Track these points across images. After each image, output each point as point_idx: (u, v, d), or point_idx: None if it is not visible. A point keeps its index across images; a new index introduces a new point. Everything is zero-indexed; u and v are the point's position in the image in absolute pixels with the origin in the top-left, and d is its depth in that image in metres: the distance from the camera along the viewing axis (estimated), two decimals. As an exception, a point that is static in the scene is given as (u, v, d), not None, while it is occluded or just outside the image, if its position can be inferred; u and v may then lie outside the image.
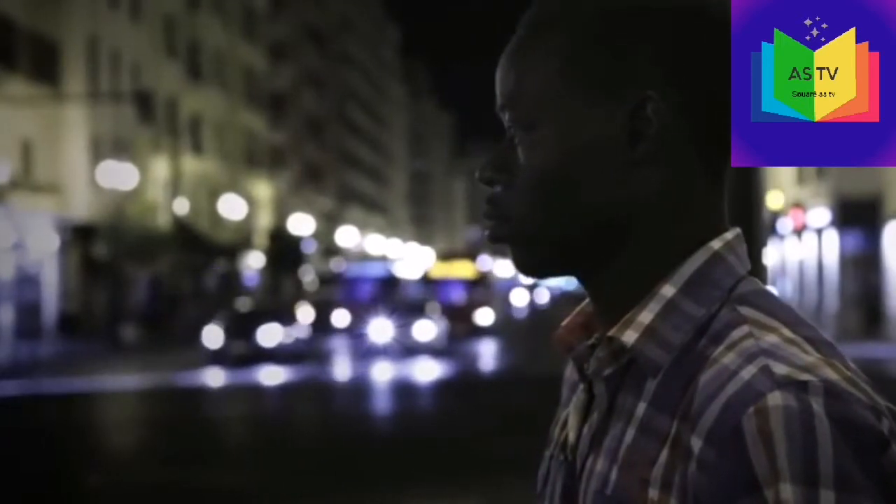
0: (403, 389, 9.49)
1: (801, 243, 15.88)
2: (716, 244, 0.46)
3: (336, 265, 25.11)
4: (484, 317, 16.85)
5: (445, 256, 20.93)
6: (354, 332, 16.07)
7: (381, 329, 13.82)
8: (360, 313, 16.77)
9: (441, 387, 9.75)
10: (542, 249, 0.46)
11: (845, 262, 13.94)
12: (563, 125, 0.46)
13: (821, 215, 14.49)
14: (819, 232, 14.88)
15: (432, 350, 13.30)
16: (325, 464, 5.38)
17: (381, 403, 8.70)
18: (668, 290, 0.45)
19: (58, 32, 15.61)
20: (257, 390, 10.01)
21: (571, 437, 0.48)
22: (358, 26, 41.82)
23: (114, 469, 5.77)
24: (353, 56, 40.30)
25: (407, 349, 13.09)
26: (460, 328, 15.56)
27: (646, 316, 0.45)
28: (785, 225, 15.85)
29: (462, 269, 18.59)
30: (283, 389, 9.83)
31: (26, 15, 14.76)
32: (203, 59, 21.90)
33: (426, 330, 13.69)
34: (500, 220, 0.47)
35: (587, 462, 0.46)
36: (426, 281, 19.04)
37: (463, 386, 9.77)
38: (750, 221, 0.72)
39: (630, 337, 0.45)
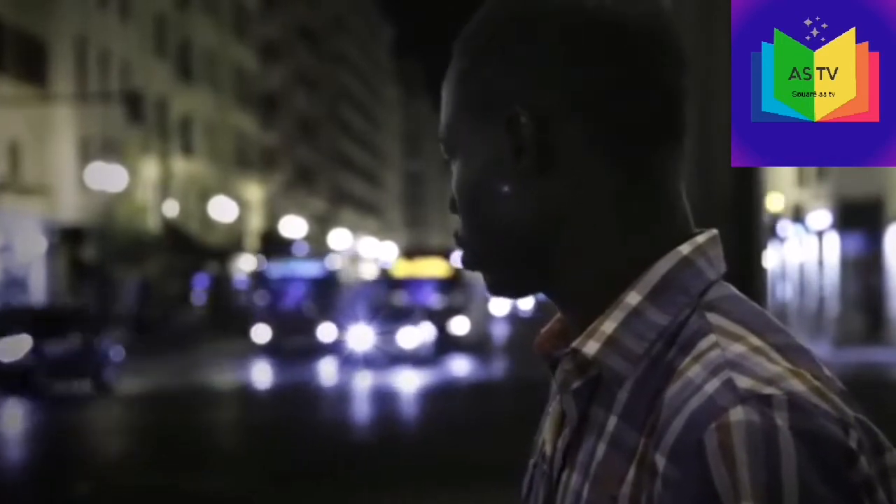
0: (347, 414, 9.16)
1: (802, 246, 15.75)
2: (685, 248, 0.45)
3: (258, 262, 18.60)
4: (459, 325, 14.53)
5: (412, 253, 17.60)
6: (279, 347, 13.78)
7: (362, 336, 12.48)
8: (286, 325, 14.08)
9: (424, 399, 9.49)
10: (490, 271, 0.47)
11: (846, 264, 13.72)
12: (466, 150, 0.46)
13: (821, 217, 14.33)
14: (820, 234, 14.70)
15: (417, 359, 12.28)
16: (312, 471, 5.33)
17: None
18: (632, 298, 0.44)
19: (46, 32, 15.45)
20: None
21: (548, 449, 0.47)
22: (351, 26, 41.72)
23: (102, 473, 5.77)
24: (346, 56, 40.15)
25: (390, 358, 12.03)
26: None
27: (608, 325, 0.44)
28: (785, 227, 15.69)
29: (433, 268, 15.65)
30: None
31: (13, 14, 14.63)
32: (193, 59, 21.72)
33: (411, 337, 12.59)
34: (460, 246, 0.48)
35: (562, 476, 0.46)
36: (389, 282, 15.97)
37: (448, 397, 9.54)
38: (750, 223, 0.71)
39: (592, 348, 0.44)
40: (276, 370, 12.10)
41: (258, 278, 17.05)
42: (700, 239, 0.46)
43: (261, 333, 14.70)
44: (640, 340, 0.44)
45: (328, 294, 15.88)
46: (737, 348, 0.42)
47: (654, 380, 0.43)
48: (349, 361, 12.12)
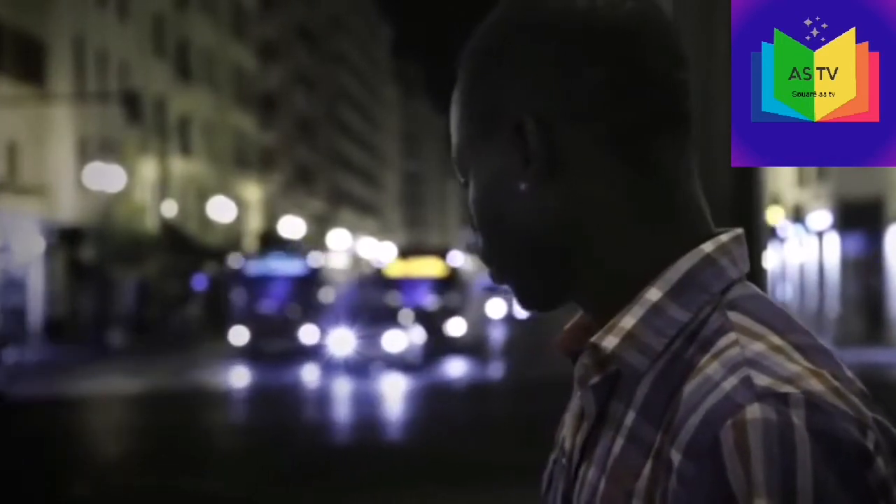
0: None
1: (802, 246, 15.66)
2: (708, 246, 0.45)
3: (233, 260, 16.82)
4: (456, 327, 13.83)
5: (407, 252, 16.66)
6: (257, 350, 12.84)
7: (343, 340, 11.46)
8: (265, 327, 13.17)
9: (411, 406, 9.26)
10: (515, 282, 0.47)
11: (847, 265, 13.68)
12: (478, 165, 0.47)
13: (822, 218, 14.26)
14: (820, 235, 14.64)
15: (404, 364, 11.38)
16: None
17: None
18: (653, 294, 0.44)
19: (44, 32, 15.39)
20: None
21: (567, 444, 0.48)
22: (350, 26, 41.66)
23: (100, 475, 5.76)
24: (344, 56, 40.05)
25: (373, 363, 11.15)
26: (427, 341, 12.65)
27: (628, 321, 0.44)
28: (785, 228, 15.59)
29: (429, 267, 14.97)
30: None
31: (12, 14, 14.56)
32: (192, 59, 21.67)
33: (397, 341, 11.59)
34: (485, 262, 0.48)
35: (580, 470, 0.46)
36: (383, 281, 15.06)
37: (440, 401, 9.33)
38: (750, 224, 0.72)
39: (610, 342, 0.44)
40: (249, 373, 11.49)
41: (235, 276, 15.51)
42: (724, 237, 0.45)
43: (238, 335, 13.66)
44: (659, 336, 0.44)
45: (311, 293, 14.78)
46: (757, 347, 0.42)
47: (673, 376, 0.43)
48: (329, 366, 11.35)
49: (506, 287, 0.47)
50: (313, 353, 12.71)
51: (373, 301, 13.45)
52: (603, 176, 0.45)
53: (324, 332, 12.57)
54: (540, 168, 0.45)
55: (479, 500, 4.71)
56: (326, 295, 15.44)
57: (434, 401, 9.10)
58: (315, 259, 16.30)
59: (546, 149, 0.45)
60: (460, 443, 6.43)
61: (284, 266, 15.28)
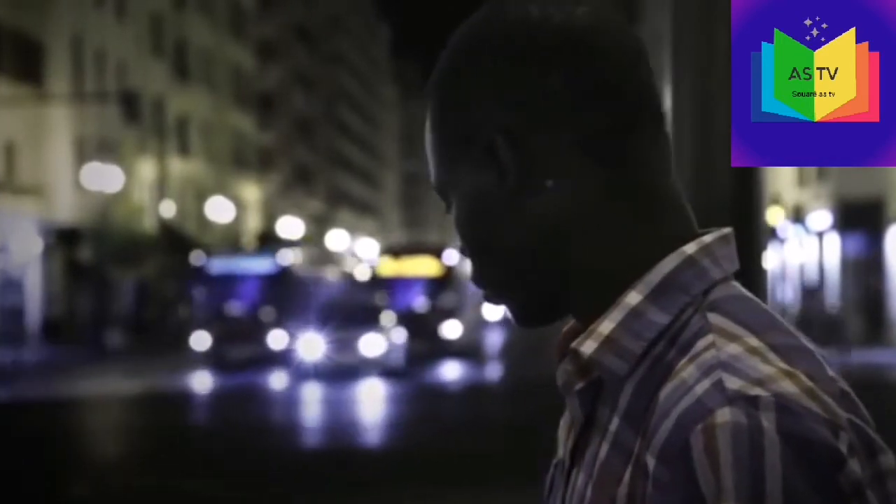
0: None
1: (802, 247, 15.63)
2: (690, 248, 0.45)
3: (195, 257, 14.62)
4: (451, 329, 13.06)
5: (400, 251, 15.57)
6: (221, 356, 11.72)
7: (313, 344, 10.43)
8: (229, 331, 11.98)
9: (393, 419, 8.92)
10: (510, 301, 0.47)
11: (847, 265, 13.67)
12: (457, 189, 0.47)
13: (822, 218, 14.25)
14: (820, 235, 14.63)
15: (385, 370, 10.48)
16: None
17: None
18: (633, 298, 0.44)
19: (42, 32, 15.39)
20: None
21: (560, 450, 0.48)
22: (348, 25, 41.72)
23: (99, 475, 5.76)
24: (343, 56, 40.14)
25: (348, 369, 10.21)
26: (420, 344, 11.95)
27: (606, 326, 0.44)
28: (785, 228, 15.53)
29: (423, 267, 14.11)
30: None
31: (10, 14, 14.58)
32: (190, 59, 21.66)
33: (375, 344, 10.59)
34: (478, 286, 0.48)
35: (571, 476, 0.46)
36: (376, 281, 14.22)
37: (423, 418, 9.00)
38: (750, 223, 0.72)
39: (589, 347, 0.44)
40: (212, 379, 10.79)
41: (196, 276, 13.84)
42: (707, 238, 0.45)
43: (200, 341, 12.39)
44: (637, 340, 0.44)
45: (282, 294, 13.33)
46: (732, 349, 0.42)
47: (653, 380, 0.43)
48: (298, 373, 10.48)
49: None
50: (282, 359, 11.74)
51: (351, 302, 12.43)
52: (581, 180, 0.45)
53: (294, 336, 11.53)
54: (516, 180, 0.45)
55: (478, 500, 4.72)
56: (301, 296, 13.77)
57: (423, 407, 8.60)
58: (284, 256, 14.38)
59: (519, 161, 0.45)
60: (454, 445, 6.38)
61: (251, 264, 13.90)
